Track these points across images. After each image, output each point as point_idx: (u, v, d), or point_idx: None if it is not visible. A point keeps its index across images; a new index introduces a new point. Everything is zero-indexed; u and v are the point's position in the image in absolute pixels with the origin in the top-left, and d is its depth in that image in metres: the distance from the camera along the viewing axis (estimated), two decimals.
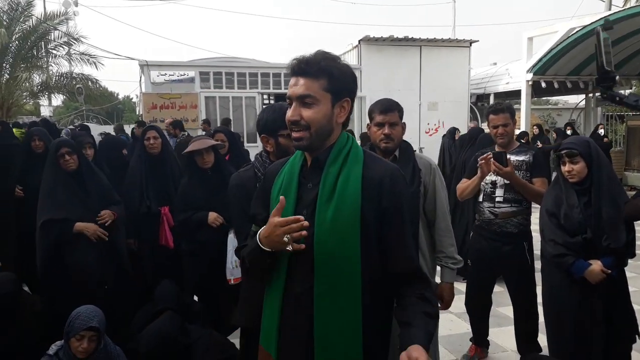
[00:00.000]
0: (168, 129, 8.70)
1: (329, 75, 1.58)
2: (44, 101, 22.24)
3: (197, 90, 12.76)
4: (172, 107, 12.43)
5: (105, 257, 3.57)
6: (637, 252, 2.92)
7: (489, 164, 3.26)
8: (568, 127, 12.65)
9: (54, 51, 16.44)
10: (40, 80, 16.57)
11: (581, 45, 11.48)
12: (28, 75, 15.55)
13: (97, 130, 13.54)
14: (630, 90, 18.87)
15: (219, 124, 10.90)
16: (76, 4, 23.68)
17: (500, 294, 4.34)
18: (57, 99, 25.02)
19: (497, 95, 15.06)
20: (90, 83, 17.18)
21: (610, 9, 16.57)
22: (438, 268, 2.91)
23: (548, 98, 25.41)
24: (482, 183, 3.51)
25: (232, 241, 3.22)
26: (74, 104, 30.84)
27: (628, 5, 15.63)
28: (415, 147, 3.08)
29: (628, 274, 2.98)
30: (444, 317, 4.24)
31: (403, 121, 2.72)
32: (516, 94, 13.88)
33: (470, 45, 14.57)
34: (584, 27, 10.92)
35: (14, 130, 7.12)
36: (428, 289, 1.60)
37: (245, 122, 13.04)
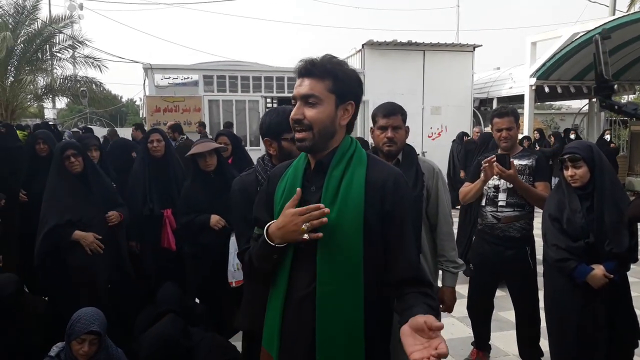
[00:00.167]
0: (167, 133, 8.73)
1: (334, 77, 1.59)
2: (48, 104, 22.31)
3: (200, 93, 12.81)
4: (176, 110, 12.48)
5: (107, 258, 3.58)
6: (639, 256, 2.90)
7: (492, 167, 3.26)
8: (572, 132, 12.63)
9: (58, 54, 16.55)
10: (44, 83, 16.68)
11: (585, 51, 11.48)
12: (33, 78, 15.65)
13: (100, 133, 13.56)
14: (634, 96, 18.82)
15: (221, 128, 10.94)
16: (81, 8, 23.82)
17: (502, 298, 4.33)
18: (61, 102, 25.15)
19: (500, 99, 15.05)
20: (94, 86, 17.25)
21: (614, 14, 16.57)
22: (440, 272, 2.91)
23: (551, 103, 25.37)
24: (485, 187, 3.51)
25: (234, 244, 3.23)
26: (77, 107, 30.98)
27: (632, 10, 15.62)
28: (418, 151, 3.08)
29: (630, 279, 2.97)
30: (446, 321, 4.24)
31: (406, 125, 2.73)
32: (519, 98, 13.87)
33: (474, 49, 14.58)
34: (588, 32, 10.92)
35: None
36: (430, 290, 1.59)
37: (248, 125, 13.08)
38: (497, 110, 3.62)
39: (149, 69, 12.57)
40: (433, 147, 13.89)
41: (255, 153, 7.56)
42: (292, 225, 1.55)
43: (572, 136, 12.02)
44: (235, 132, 9.58)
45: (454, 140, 10.22)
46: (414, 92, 13.90)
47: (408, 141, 2.77)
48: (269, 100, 13.88)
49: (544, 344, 3.34)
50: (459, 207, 8.76)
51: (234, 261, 3.28)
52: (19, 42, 15.29)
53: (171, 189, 4.04)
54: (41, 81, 16.61)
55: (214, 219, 3.53)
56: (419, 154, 2.88)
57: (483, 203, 3.57)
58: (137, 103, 38.17)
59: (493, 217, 3.51)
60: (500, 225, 3.48)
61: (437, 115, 14.39)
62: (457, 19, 25.13)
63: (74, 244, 3.45)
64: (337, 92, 1.60)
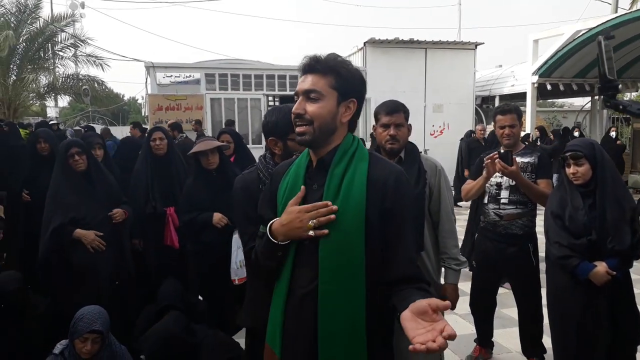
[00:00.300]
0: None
1: (337, 73, 1.60)
2: (50, 102, 22.40)
3: (202, 91, 12.81)
4: (178, 108, 12.48)
5: (110, 256, 3.59)
6: None
7: (495, 164, 3.26)
8: (576, 130, 12.62)
9: (60, 53, 16.59)
10: (46, 81, 16.72)
11: (587, 48, 11.44)
12: (35, 76, 15.68)
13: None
14: (637, 93, 18.78)
15: (223, 126, 10.95)
16: (83, 6, 23.86)
17: (505, 295, 4.33)
18: (64, 100, 25.21)
19: (503, 97, 15.03)
20: (96, 84, 17.29)
21: (616, 11, 16.52)
22: (443, 269, 2.92)
23: (553, 100, 25.35)
24: (487, 185, 3.52)
25: (236, 241, 3.24)
26: (80, 105, 31.00)
27: (635, 8, 15.58)
28: (420, 148, 3.09)
29: (633, 276, 2.97)
30: (449, 318, 4.21)
31: (409, 123, 2.73)
32: (521, 96, 13.85)
33: (476, 47, 14.56)
34: (590, 29, 10.89)
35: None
36: (427, 286, 1.57)
37: (250, 123, 13.08)
38: (500, 107, 3.62)
39: (151, 68, 12.58)
40: (435, 145, 13.87)
41: (258, 151, 7.55)
42: (297, 222, 1.56)
43: (576, 134, 12.00)
44: (237, 130, 9.61)
45: (462, 139, 10.21)
46: (416, 90, 13.88)
47: (410, 139, 2.78)
48: (270, 98, 13.88)
49: (547, 340, 3.35)
50: (461, 204, 8.79)
51: (236, 259, 3.29)
52: (21, 40, 15.32)
53: (174, 187, 4.05)
54: (43, 80, 16.66)
55: (217, 216, 3.53)
56: (421, 152, 2.88)
57: (485, 200, 3.57)
58: (139, 101, 38.23)
59: (495, 215, 3.51)
60: (503, 223, 3.49)
61: (439, 113, 14.38)
62: (458, 16, 25.08)
63: (76, 242, 3.47)
64: (340, 89, 1.61)
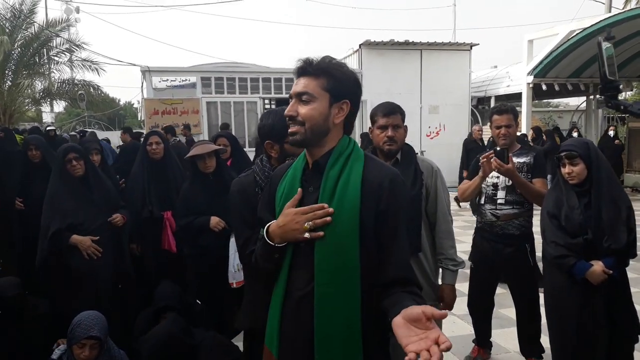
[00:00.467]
0: None
1: (328, 75, 1.62)
2: (45, 108, 22.31)
3: (198, 95, 12.82)
4: (174, 112, 12.49)
5: (110, 260, 3.59)
6: (638, 252, 2.92)
7: (491, 163, 3.27)
8: (575, 130, 12.67)
9: (55, 58, 16.57)
10: (42, 86, 16.69)
11: (582, 48, 11.50)
12: (30, 82, 15.66)
13: (98, 136, 13.56)
14: (632, 93, 18.85)
15: (219, 129, 10.94)
16: (77, 11, 23.86)
17: (503, 295, 4.34)
18: (59, 106, 25.17)
19: (498, 98, 15.08)
20: (92, 89, 17.27)
21: (610, 11, 16.59)
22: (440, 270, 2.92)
23: (549, 100, 25.42)
24: (484, 185, 3.52)
25: (234, 245, 3.24)
26: (75, 110, 30.96)
27: (628, 7, 15.65)
28: (417, 150, 3.11)
29: (630, 275, 2.99)
30: (447, 319, 4.24)
31: (405, 124, 2.74)
32: (517, 96, 13.90)
33: (471, 48, 14.62)
34: (584, 29, 10.94)
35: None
36: (418, 290, 1.56)
37: (246, 127, 13.09)
38: (496, 107, 3.63)
39: (147, 72, 12.58)
40: (431, 146, 13.92)
41: (254, 154, 7.56)
42: (293, 224, 1.57)
43: (575, 134, 12.06)
44: (234, 133, 9.62)
45: (466, 139, 10.23)
46: (411, 91, 13.93)
47: (406, 140, 2.79)
48: (267, 101, 13.89)
49: (545, 340, 3.35)
50: (463, 205, 8.78)
51: (234, 262, 3.30)
52: (16, 46, 15.29)
53: (170, 191, 4.05)
54: (39, 85, 16.64)
55: (214, 220, 3.53)
56: (417, 153, 2.89)
57: (482, 201, 3.58)
58: (135, 106, 38.18)
59: (492, 215, 3.52)
60: (500, 223, 3.50)
61: (435, 114, 14.42)
62: (453, 17, 25.17)
63: (74, 248, 3.47)
64: (332, 90, 1.62)
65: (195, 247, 3.65)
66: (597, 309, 2.79)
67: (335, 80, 1.62)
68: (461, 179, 8.60)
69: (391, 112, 2.68)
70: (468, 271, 3.84)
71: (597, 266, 2.73)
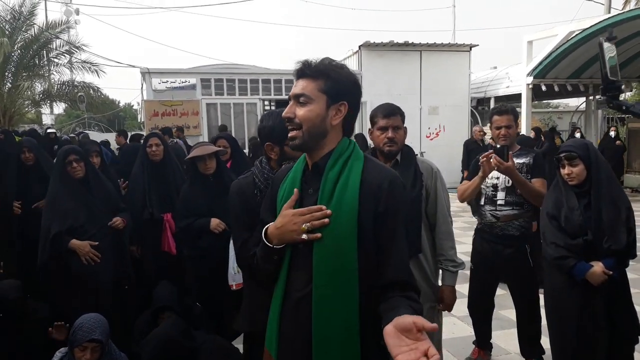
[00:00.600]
0: None
1: (326, 77, 1.62)
2: (45, 109, 22.35)
3: (198, 97, 12.83)
4: (174, 114, 12.50)
5: (110, 263, 3.59)
6: (638, 253, 2.92)
7: (490, 163, 3.27)
8: (577, 131, 12.67)
9: (55, 59, 16.60)
10: (42, 88, 16.69)
11: (581, 48, 11.49)
12: (30, 83, 15.67)
13: (98, 138, 13.57)
14: (631, 93, 18.86)
15: (218, 131, 10.94)
16: (77, 13, 23.88)
17: (503, 296, 4.34)
18: (59, 107, 25.19)
19: (498, 99, 15.07)
20: (91, 91, 17.30)
21: (609, 12, 16.60)
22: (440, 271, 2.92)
23: (549, 101, 25.44)
24: (483, 186, 3.52)
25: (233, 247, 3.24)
26: (75, 112, 30.96)
27: (627, 8, 15.66)
28: (417, 151, 3.11)
29: (629, 275, 2.99)
30: (447, 321, 4.25)
31: (404, 125, 2.75)
32: (517, 97, 13.89)
33: (470, 49, 14.63)
34: (584, 30, 10.94)
35: None
36: (416, 295, 1.56)
37: (246, 128, 13.09)
38: (496, 108, 3.63)
39: (147, 74, 12.59)
40: (431, 147, 13.93)
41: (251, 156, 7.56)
42: (291, 225, 1.58)
43: (577, 135, 12.07)
44: (233, 135, 9.63)
45: (467, 140, 10.23)
46: (411, 92, 13.93)
47: (406, 141, 2.80)
48: (266, 102, 13.90)
49: (545, 341, 3.35)
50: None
51: (234, 264, 3.29)
52: (15, 48, 15.32)
53: (171, 193, 4.05)
54: (38, 87, 16.65)
55: (214, 222, 3.53)
56: (417, 154, 2.89)
57: (482, 202, 3.58)
58: (134, 107, 38.19)
59: (492, 216, 3.52)
60: (500, 224, 3.50)
61: (434, 116, 14.43)
62: (453, 19, 25.21)
63: (74, 251, 3.47)
64: (329, 92, 1.62)
65: (195, 249, 3.65)
66: (597, 310, 2.80)
67: (332, 82, 1.62)
68: (463, 179, 8.60)
69: (391, 114, 2.69)
70: (468, 272, 3.84)
71: (597, 267, 2.73)
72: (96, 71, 16.73)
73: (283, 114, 1.66)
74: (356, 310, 1.55)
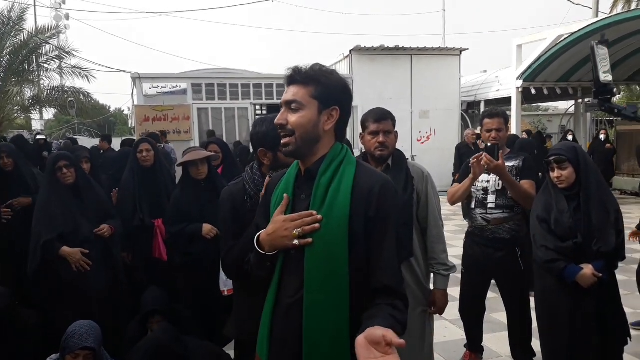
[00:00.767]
0: None
1: (316, 82, 1.63)
2: (35, 115, 22.18)
3: (189, 102, 12.80)
4: (165, 119, 12.46)
5: (102, 270, 3.57)
6: (627, 255, 2.95)
7: (481, 166, 3.28)
8: (569, 134, 12.77)
9: (45, 65, 16.48)
10: (31, 94, 16.59)
11: (570, 52, 11.60)
12: (19, 89, 15.57)
13: (88, 143, 13.50)
14: (619, 96, 19.02)
15: (207, 136, 10.92)
16: (67, 18, 23.79)
17: (494, 300, 4.36)
18: (49, 113, 25.02)
19: (488, 102, 15.16)
20: (82, 96, 17.19)
21: (597, 16, 16.77)
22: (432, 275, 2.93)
23: (538, 104, 25.61)
24: (474, 189, 3.54)
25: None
26: (65, 118, 30.77)
27: (615, 12, 15.81)
28: (408, 155, 3.13)
29: (619, 277, 3.01)
30: (439, 324, 4.26)
31: (395, 130, 2.76)
32: (506, 101, 13.98)
33: (461, 53, 14.72)
34: (572, 34, 11.05)
35: None
36: (402, 302, 1.55)
37: (238, 133, 13.07)
38: (487, 111, 3.67)
39: (137, 79, 12.55)
40: (423, 151, 14.00)
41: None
42: (282, 231, 1.58)
43: (570, 137, 12.17)
44: (224, 140, 9.61)
45: (459, 144, 10.27)
46: (402, 96, 14.01)
47: (397, 145, 2.81)
48: (258, 107, 13.89)
49: (536, 344, 3.37)
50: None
51: None
52: (4, 53, 15.22)
53: (161, 199, 4.04)
54: (28, 92, 16.55)
55: (207, 228, 3.52)
56: (408, 158, 2.91)
57: (473, 205, 3.60)
58: (125, 112, 38.02)
59: (483, 219, 3.54)
60: (490, 227, 3.51)
61: (425, 119, 14.49)
62: (443, 23, 25.32)
63: (64, 258, 3.45)
64: (320, 97, 1.63)
65: (187, 255, 3.64)
66: (588, 312, 2.82)
67: (323, 87, 1.63)
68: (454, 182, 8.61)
69: (382, 118, 2.70)
70: (459, 276, 3.85)
71: (587, 269, 2.75)
72: (86, 76, 16.66)
73: (275, 120, 1.66)
74: (347, 315, 1.54)
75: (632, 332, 3.07)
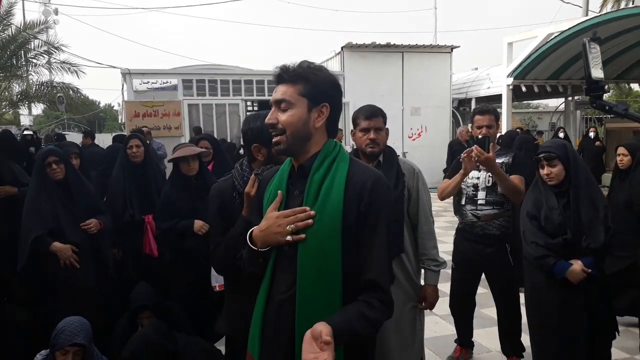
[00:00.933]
0: None
1: (305, 80, 1.63)
2: (24, 110, 22.00)
3: (180, 97, 12.73)
4: (155, 115, 12.38)
5: (91, 266, 3.55)
6: None
7: (471, 161, 3.29)
8: (561, 131, 12.86)
9: (34, 60, 16.34)
10: (20, 89, 16.45)
11: (560, 50, 11.68)
12: (7, 84, 15.45)
13: (78, 139, 13.40)
14: (608, 94, 19.16)
15: (193, 133, 10.85)
16: (56, 13, 23.52)
17: (484, 295, 4.39)
18: (38, 108, 24.80)
19: (479, 99, 15.23)
20: (71, 92, 17.09)
21: (587, 15, 16.88)
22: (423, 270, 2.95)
23: (529, 102, 25.78)
24: (464, 186, 3.56)
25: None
26: (54, 113, 30.54)
27: (605, 11, 15.93)
28: (399, 152, 3.15)
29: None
30: (429, 320, 4.28)
31: (386, 127, 2.77)
32: (497, 98, 14.06)
33: (452, 50, 14.76)
34: (562, 32, 11.12)
35: None
36: (381, 299, 1.54)
37: (229, 129, 13.03)
38: (478, 108, 3.68)
39: (127, 74, 12.46)
40: (414, 148, 14.04)
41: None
42: (275, 227, 1.58)
43: (561, 134, 12.26)
44: (215, 136, 9.57)
45: (451, 141, 10.29)
46: (393, 93, 14.02)
47: (388, 142, 2.82)
48: (249, 103, 13.84)
49: (525, 338, 3.40)
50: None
51: None
52: None
53: (151, 195, 4.02)
54: (16, 87, 16.42)
55: (198, 224, 3.51)
56: (399, 155, 2.92)
57: (463, 202, 3.61)
58: (115, 108, 37.79)
59: (473, 216, 3.56)
60: (480, 224, 3.53)
61: (416, 116, 14.53)
62: (434, 20, 25.38)
63: (54, 254, 3.42)
64: (309, 95, 1.63)
65: (178, 251, 3.63)
66: (577, 307, 2.84)
67: (312, 85, 1.63)
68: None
69: (373, 115, 2.71)
70: (449, 271, 3.87)
71: (577, 265, 2.78)
72: (76, 72, 16.55)
73: (266, 120, 1.66)
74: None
75: (620, 327, 3.10)
